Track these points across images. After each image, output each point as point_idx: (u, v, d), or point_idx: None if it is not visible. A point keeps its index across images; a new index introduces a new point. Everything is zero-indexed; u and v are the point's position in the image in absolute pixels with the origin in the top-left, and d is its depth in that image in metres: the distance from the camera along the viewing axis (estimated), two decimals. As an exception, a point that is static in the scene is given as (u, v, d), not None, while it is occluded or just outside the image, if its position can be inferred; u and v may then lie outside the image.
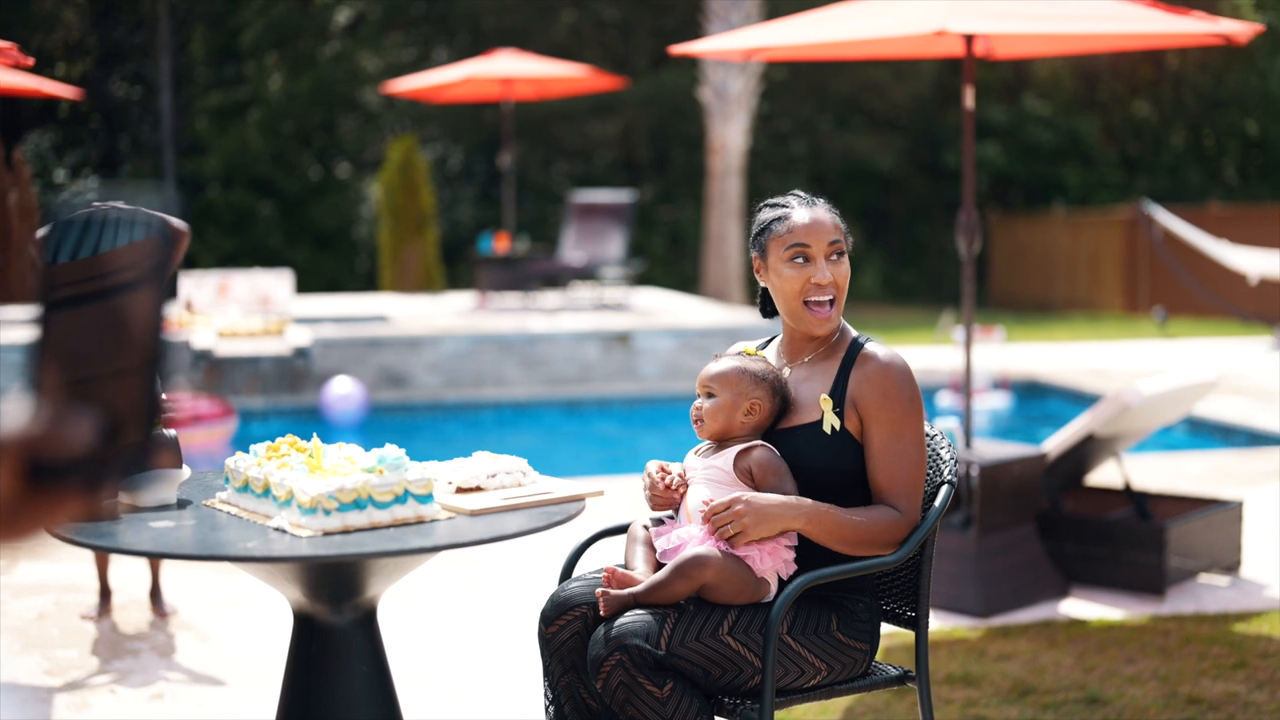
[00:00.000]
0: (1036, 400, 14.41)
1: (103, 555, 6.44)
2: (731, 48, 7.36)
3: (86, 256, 1.35)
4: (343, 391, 12.44)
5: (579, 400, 13.96)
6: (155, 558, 3.59)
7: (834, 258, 3.64)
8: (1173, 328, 21.05)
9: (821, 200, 3.73)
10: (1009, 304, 27.06)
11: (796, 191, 3.76)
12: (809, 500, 3.46)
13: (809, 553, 3.53)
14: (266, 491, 3.32)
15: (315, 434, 3.54)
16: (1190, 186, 29.07)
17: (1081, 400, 13.46)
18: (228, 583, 6.96)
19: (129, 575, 6.98)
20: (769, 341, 3.87)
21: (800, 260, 3.62)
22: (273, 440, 3.61)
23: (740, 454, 3.53)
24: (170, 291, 1.35)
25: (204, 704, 5.35)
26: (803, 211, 3.66)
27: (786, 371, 3.70)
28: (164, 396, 1.35)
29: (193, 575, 7.07)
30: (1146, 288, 24.55)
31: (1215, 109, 30.14)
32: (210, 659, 5.86)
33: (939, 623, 6.23)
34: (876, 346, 3.64)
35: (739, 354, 3.69)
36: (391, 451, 3.30)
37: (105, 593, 6.47)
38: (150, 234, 1.34)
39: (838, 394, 3.58)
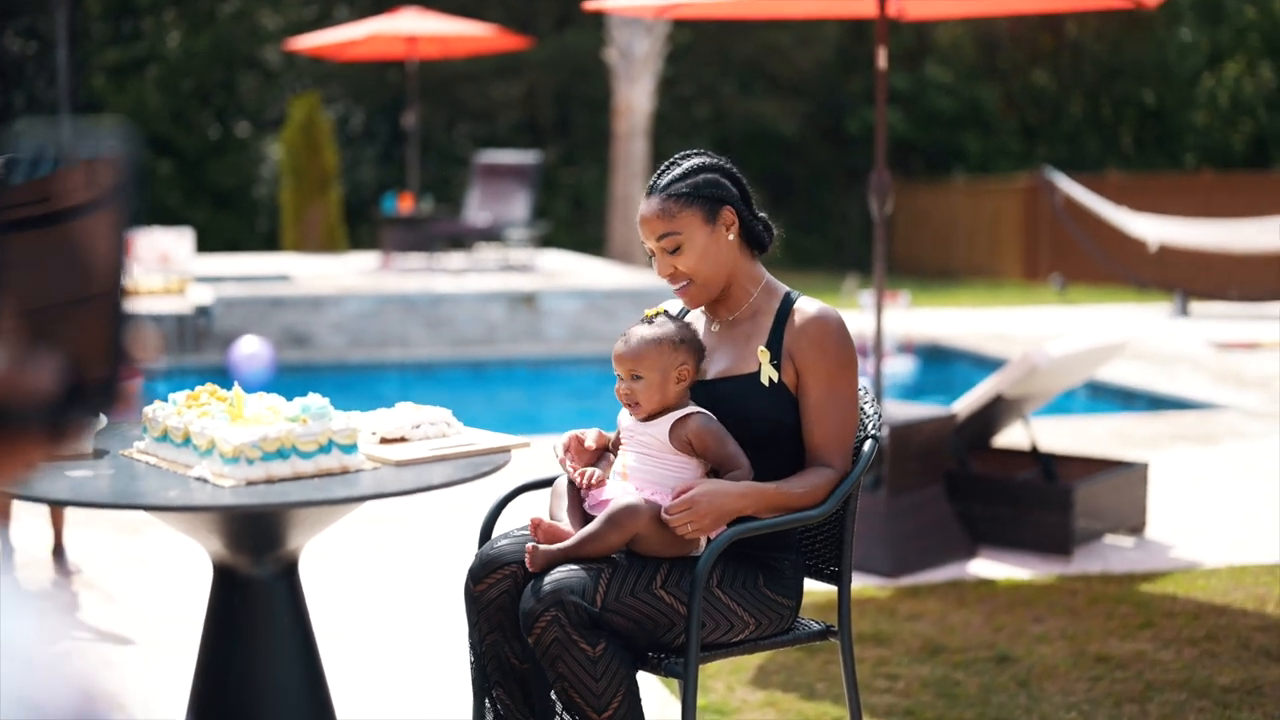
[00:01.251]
0: (940, 364, 14.53)
1: (2, 512, 6.31)
2: (645, 4, 7.31)
3: (40, 178, 1.30)
4: (250, 350, 12.29)
5: (484, 361, 13.90)
6: (74, 506, 3.52)
7: (671, 251, 3.53)
8: (1071, 295, 21.27)
9: (676, 180, 3.55)
10: (910, 270, 27.20)
11: (678, 160, 3.60)
12: (758, 485, 3.41)
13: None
14: (187, 441, 3.24)
15: (236, 383, 3.48)
16: (1088, 155, 29.37)
17: (984, 364, 13.58)
18: (132, 541, 6.86)
19: (30, 533, 6.86)
20: None
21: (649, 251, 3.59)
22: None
23: (676, 424, 3.47)
24: (134, 219, 1.30)
25: (112, 662, 5.26)
26: (643, 203, 3.56)
27: (715, 327, 3.67)
28: (130, 335, 1.30)
29: (96, 534, 6.96)
30: (1046, 255, 24.79)
31: (1113, 78, 30.46)
32: (117, 618, 5.77)
33: (850, 582, 6.25)
34: (809, 301, 3.62)
35: (642, 322, 3.59)
36: (315, 401, 3.25)
37: (5, 550, 6.35)
38: (108, 154, 1.29)
39: (774, 346, 3.55)
